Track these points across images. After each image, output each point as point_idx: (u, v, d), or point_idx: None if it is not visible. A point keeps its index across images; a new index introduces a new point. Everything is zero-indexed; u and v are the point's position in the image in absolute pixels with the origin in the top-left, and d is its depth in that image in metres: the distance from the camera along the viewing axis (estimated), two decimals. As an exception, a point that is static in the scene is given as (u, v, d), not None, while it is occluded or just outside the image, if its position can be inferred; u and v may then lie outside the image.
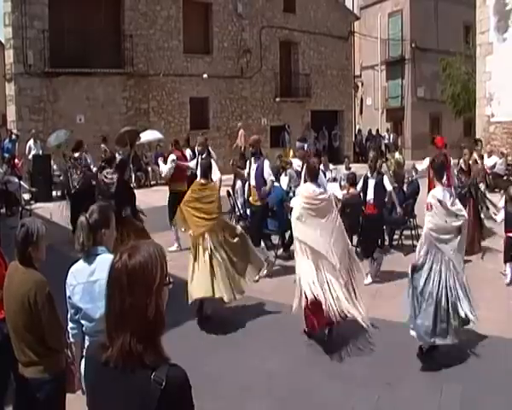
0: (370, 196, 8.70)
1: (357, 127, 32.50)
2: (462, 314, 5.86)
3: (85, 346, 3.37)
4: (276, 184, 9.94)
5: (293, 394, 5.30)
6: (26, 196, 15.14)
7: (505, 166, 17.64)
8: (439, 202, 5.95)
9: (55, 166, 17.33)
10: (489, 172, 17.34)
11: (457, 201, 6.27)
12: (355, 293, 6.38)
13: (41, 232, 3.54)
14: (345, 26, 28.94)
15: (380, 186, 8.76)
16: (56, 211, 12.35)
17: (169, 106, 22.71)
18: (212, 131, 23.54)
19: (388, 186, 8.91)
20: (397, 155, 14.42)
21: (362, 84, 34.44)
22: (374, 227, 8.83)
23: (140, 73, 21.66)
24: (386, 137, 30.59)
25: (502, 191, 11.19)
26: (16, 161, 16.51)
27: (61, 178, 16.96)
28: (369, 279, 8.59)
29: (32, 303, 3.38)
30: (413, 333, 5.90)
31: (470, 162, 11.35)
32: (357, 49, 32.24)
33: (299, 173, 12.05)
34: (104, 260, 3.29)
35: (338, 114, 29.23)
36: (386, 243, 10.17)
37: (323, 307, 5.99)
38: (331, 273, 6.20)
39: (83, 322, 3.38)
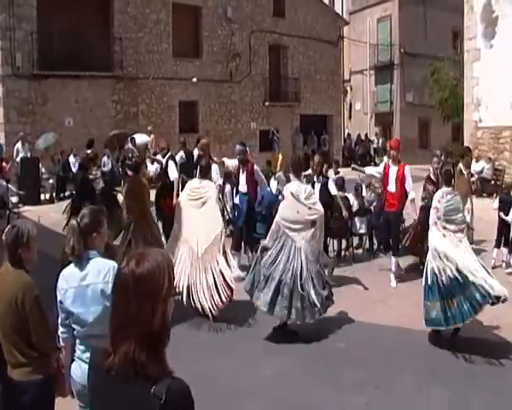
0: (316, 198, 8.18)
1: (346, 132, 32.63)
2: (313, 299, 6.39)
3: (76, 350, 3.36)
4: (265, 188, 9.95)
5: (284, 398, 5.30)
6: (14, 199, 15.04)
7: (492, 171, 17.81)
8: (291, 194, 6.70)
9: (43, 169, 17.22)
10: (476, 177, 17.54)
11: (315, 196, 7.03)
12: (223, 276, 6.96)
13: (32, 234, 3.49)
14: (334, 30, 29.04)
15: (324, 190, 8.77)
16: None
17: (158, 109, 22.66)
18: (201, 134, 23.50)
19: (333, 190, 8.96)
20: (385, 159, 14.49)
21: (351, 89, 34.58)
22: None
23: (129, 77, 21.59)
24: (375, 141, 30.76)
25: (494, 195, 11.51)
26: (4, 164, 16.37)
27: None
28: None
29: (20, 305, 3.35)
30: (256, 303, 6.58)
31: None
32: (347, 53, 32.38)
33: (287, 178, 12.12)
34: (96, 264, 3.28)
35: (327, 118, 29.31)
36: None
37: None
38: (193, 260, 6.96)
39: (74, 326, 3.36)
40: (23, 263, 3.48)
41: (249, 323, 7.13)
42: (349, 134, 32.12)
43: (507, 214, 9.40)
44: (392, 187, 8.65)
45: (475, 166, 17.64)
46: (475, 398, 5.17)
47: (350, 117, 34.68)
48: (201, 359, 6.09)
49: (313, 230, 6.63)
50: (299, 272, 6.44)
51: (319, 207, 6.84)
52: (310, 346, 6.49)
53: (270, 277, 6.50)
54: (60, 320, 3.45)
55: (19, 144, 17.38)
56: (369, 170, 9.25)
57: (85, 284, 3.29)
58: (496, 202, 10.00)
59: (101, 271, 3.30)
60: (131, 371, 1.75)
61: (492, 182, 17.56)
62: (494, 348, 6.23)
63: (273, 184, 11.18)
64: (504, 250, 9.56)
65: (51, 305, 3.48)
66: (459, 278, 6.03)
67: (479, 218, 10.98)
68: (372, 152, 29.99)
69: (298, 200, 6.68)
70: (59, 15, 19.50)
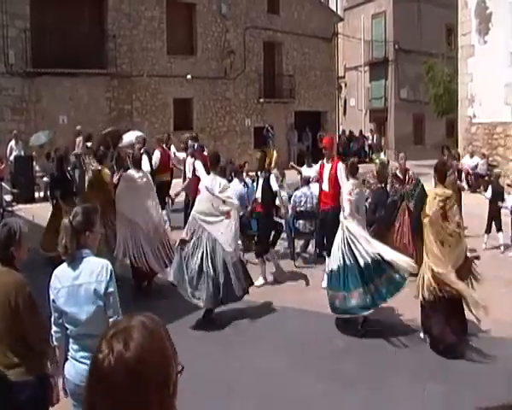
0: (258, 194, 8.88)
1: (341, 128, 32.62)
2: (231, 286, 6.90)
3: (69, 349, 3.35)
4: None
5: (279, 394, 5.30)
6: (8, 198, 14.96)
7: (486, 167, 17.86)
8: (206, 188, 6.99)
9: (37, 168, 17.14)
10: (471, 173, 17.67)
11: (228, 190, 7.24)
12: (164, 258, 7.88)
13: (23, 231, 3.50)
14: (328, 27, 29.00)
15: (266, 185, 8.75)
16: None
17: (152, 107, 22.60)
18: (195, 132, 23.45)
19: (274, 186, 8.79)
20: (381, 155, 14.55)
21: (345, 85, 34.59)
22: (262, 226, 8.93)
23: (123, 74, 21.52)
24: (370, 137, 30.79)
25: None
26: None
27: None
28: (260, 281, 8.47)
29: (14, 305, 3.32)
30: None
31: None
32: (341, 50, 32.35)
33: (282, 174, 12.13)
34: (89, 263, 3.26)
35: (322, 114, 29.29)
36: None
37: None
38: (145, 239, 7.77)
39: (67, 326, 3.34)
40: (14, 261, 3.47)
41: (243, 319, 7.14)
42: (344, 130, 32.11)
43: (496, 202, 10.42)
44: (325, 186, 8.37)
45: (469, 162, 17.73)
46: (471, 396, 5.17)
47: (344, 113, 34.70)
48: (195, 356, 6.09)
49: (228, 221, 6.94)
50: (216, 264, 6.84)
51: (234, 200, 7.23)
52: (306, 343, 6.50)
53: (191, 267, 6.88)
54: (52, 319, 3.44)
55: (12, 142, 17.30)
56: (306, 171, 9.39)
57: (78, 284, 3.27)
58: (489, 192, 10.84)
59: (94, 270, 3.28)
60: None
61: (486, 178, 17.62)
62: (491, 345, 6.24)
63: (272, 181, 11.15)
64: (500, 234, 10.50)
65: (44, 304, 3.45)
66: (374, 261, 6.44)
67: (470, 212, 10.98)
68: (367, 148, 30.00)
69: (212, 193, 6.96)
70: (52, 12, 19.42)
